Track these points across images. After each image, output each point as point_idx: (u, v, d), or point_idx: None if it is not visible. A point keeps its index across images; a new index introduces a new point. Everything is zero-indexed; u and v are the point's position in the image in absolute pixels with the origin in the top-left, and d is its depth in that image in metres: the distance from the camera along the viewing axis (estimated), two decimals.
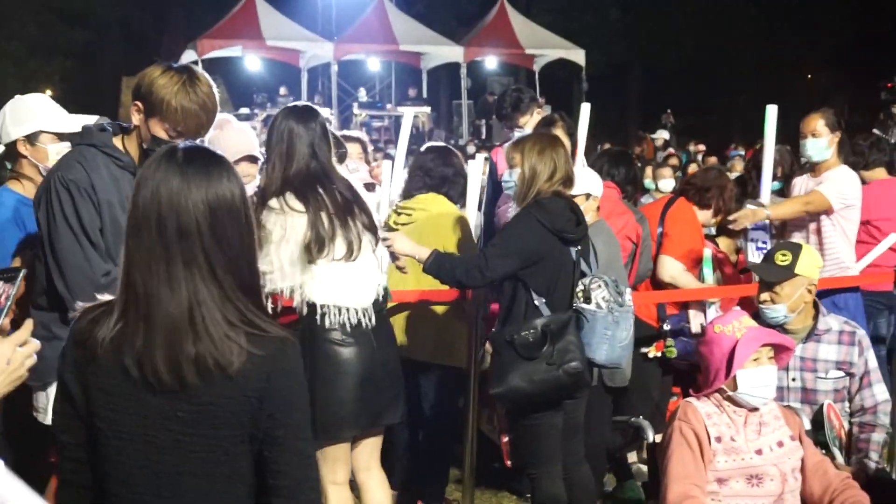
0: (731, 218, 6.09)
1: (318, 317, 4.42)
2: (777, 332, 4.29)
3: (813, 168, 6.49)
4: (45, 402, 3.89)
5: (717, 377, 4.07)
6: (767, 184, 6.59)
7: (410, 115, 7.06)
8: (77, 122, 4.36)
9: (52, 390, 2.92)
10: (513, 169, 4.91)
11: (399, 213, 5.79)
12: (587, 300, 4.75)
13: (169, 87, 3.72)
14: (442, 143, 6.41)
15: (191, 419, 2.29)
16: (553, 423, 4.82)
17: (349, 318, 4.42)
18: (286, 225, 4.37)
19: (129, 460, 2.31)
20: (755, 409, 4.07)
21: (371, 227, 4.52)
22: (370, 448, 4.70)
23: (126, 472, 2.31)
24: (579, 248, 4.85)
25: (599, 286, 4.76)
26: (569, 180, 4.88)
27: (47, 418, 3.69)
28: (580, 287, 4.80)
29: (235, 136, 5.37)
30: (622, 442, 5.92)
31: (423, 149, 6.17)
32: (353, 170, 5.55)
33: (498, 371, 4.72)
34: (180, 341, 2.25)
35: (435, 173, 5.83)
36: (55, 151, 4.47)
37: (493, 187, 6.76)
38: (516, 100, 7.11)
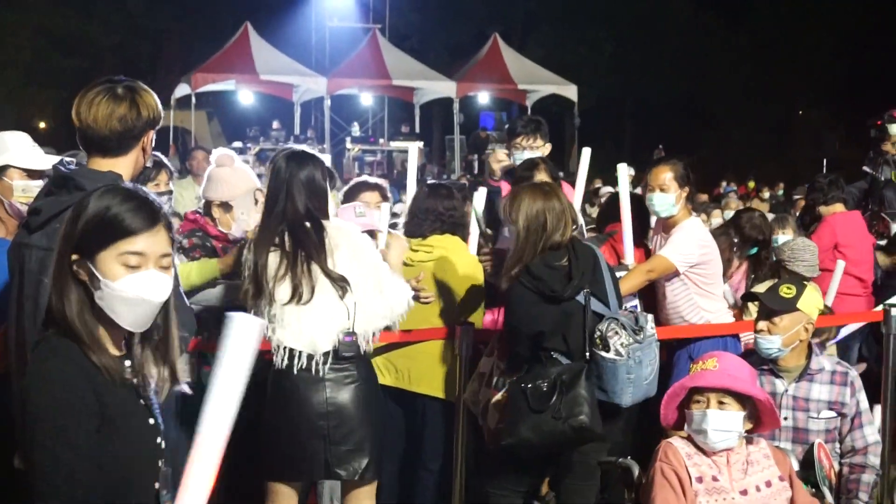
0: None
1: (274, 356, 4.50)
2: (719, 377, 4.16)
3: (664, 224, 6.15)
4: None
5: (667, 411, 4.23)
6: (629, 244, 6.15)
7: (415, 150, 6.98)
8: (51, 161, 4.33)
9: None
10: (510, 225, 4.88)
11: (416, 251, 5.76)
12: (605, 348, 4.69)
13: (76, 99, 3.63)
14: (440, 181, 6.38)
15: None
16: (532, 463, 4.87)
17: (299, 362, 4.44)
18: (245, 264, 4.53)
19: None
20: (728, 449, 4.10)
21: (334, 277, 4.46)
22: (356, 500, 4.70)
23: None
24: (587, 290, 4.76)
25: (616, 332, 4.69)
26: (565, 230, 4.80)
27: None
28: (597, 333, 4.74)
29: (226, 180, 5.37)
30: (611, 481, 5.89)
31: (427, 190, 6.06)
32: (359, 214, 5.53)
33: (509, 421, 4.66)
34: None
35: (447, 218, 5.83)
36: (21, 188, 4.46)
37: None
38: (538, 124, 7.07)
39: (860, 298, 7.41)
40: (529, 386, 4.58)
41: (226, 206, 5.31)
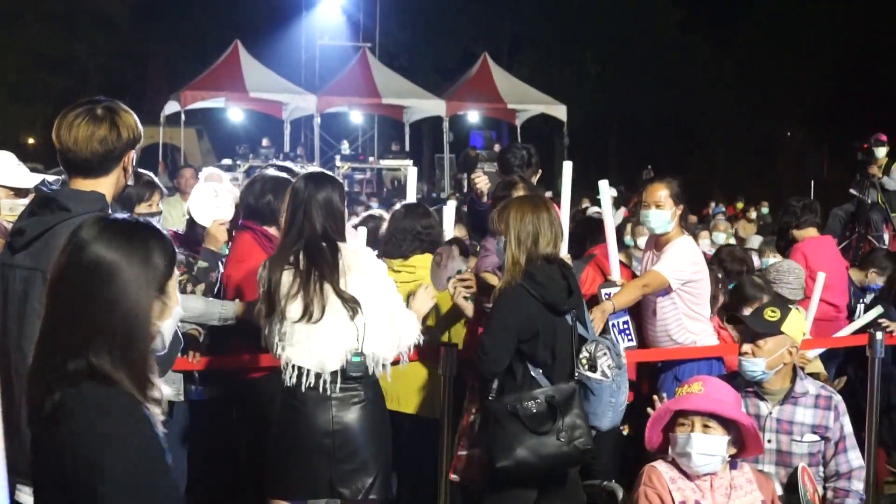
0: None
1: (285, 374, 4.53)
2: (704, 401, 4.17)
3: (656, 241, 6.22)
4: None
5: (651, 433, 4.25)
6: (615, 260, 6.20)
7: (414, 173, 7.01)
8: (37, 179, 4.34)
9: None
10: (499, 237, 4.87)
11: (398, 272, 5.75)
12: (592, 368, 4.71)
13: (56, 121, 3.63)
14: (413, 202, 6.39)
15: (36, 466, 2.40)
16: (530, 496, 4.78)
17: (307, 381, 4.47)
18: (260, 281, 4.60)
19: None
20: (711, 474, 4.11)
21: (345, 297, 4.50)
22: None
23: None
24: (574, 311, 4.81)
25: (605, 353, 4.73)
26: (555, 241, 4.84)
27: None
28: (584, 354, 4.75)
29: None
30: None
31: (402, 210, 6.12)
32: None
33: (503, 443, 4.60)
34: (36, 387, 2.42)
35: (425, 236, 5.88)
36: (8, 207, 4.47)
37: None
38: (528, 157, 7.05)
39: (833, 324, 7.44)
40: (519, 407, 4.56)
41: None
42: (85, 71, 37.00)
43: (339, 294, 4.48)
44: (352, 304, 4.49)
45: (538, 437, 4.55)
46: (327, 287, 4.47)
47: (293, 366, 4.49)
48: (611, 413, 4.75)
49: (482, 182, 6.84)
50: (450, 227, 6.41)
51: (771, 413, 4.71)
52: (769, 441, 4.70)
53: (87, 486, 2.25)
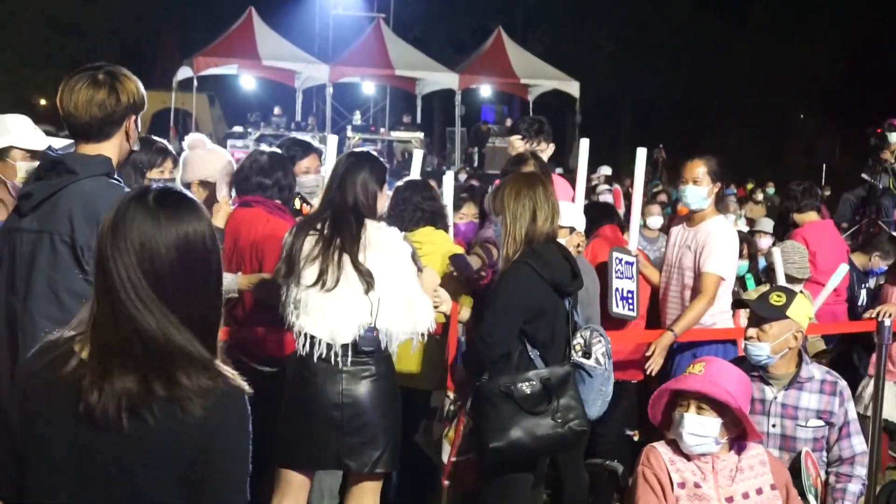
0: (648, 367, 5.87)
1: (298, 343, 4.56)
2: (699, 382, 4.16)
3: (688, 217, 6.28)
4: None
5: (654, 411, 4.27)
6: (635, 230, 6.40)
7: (420, 155, 7.03)
8: (53, 143, 4.35)
9: None
10: (497, 217, 4.78)
11: None
12: (586, 355, 4.70)
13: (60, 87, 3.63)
14: (418, 178, 6.39)
15: (124, 456, 2.25)
16: (528, 478, 4.72)
17: (318, 350, 4.49)
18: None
19: (60, 493, 2.30)
20: (713, 455, 4.11)
21: (362, 270, 4.51)
22: (359, 493, 4.71)
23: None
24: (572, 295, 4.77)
25: (600, 340, 4.70)
26: (553, 218, 4.72)
27: None
28: (579, 340, 4.71)
29: (202, 159, 5.71)
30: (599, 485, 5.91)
31: (404, 184, 6.12)
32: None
33: (496, 424, 4.50)
34: (132, 379, 2.23)
35: (426, 207, 5.88)
36: (24, 169, 4.49)
37: None
38: (540, 127, 7.00)
39: (832, 307, 7.45)
40: (513, 388, 4.48)
41: (205, 185, 5.62)
42: (97, 35, 36.95)
43: (357, 266, 4.50)
44: (367, 278, 4.50)
45: (533, 418, 4.48)
46: (346, 258, 4.50)
47: (306, 334, 4.51)
48: (600, 402, 4.72)
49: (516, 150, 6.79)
50: (449, 198, 6.41)
51: (776, 398, 4.71)
52: (774, 425, 4.69)
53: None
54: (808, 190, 8.47)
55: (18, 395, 2.36)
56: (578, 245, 5.87)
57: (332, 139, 6.72)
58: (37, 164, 4.34)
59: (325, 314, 4.50)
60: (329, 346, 4.50)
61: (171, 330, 2.25)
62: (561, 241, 5.56)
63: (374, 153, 4.93)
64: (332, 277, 4.49)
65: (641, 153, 6.39)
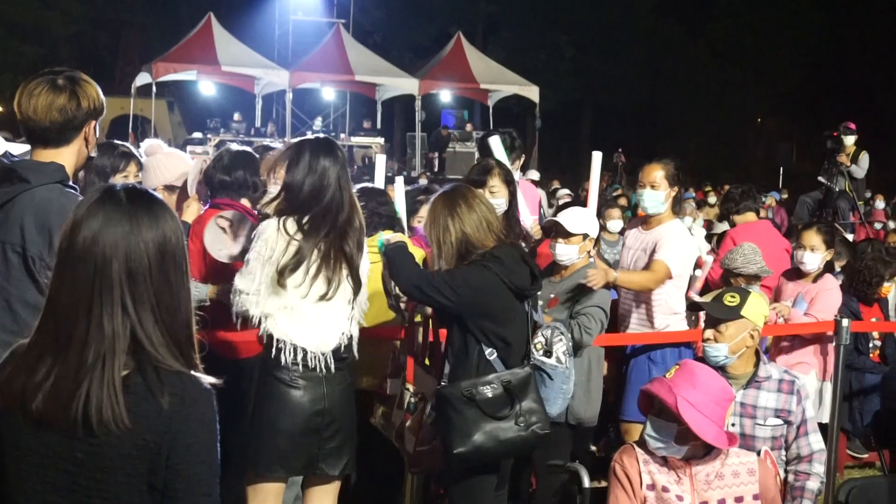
0: (586, 280, 5.75)
1: (273, 350, 4.44)
2: (659, 386, 4.18)
3: (645, 220, 6.34)
4: None
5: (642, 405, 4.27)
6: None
7: (383, 161, 7.02)
8: (11, 149, 4.30)
9: None
10: (432, 245, 4.79)
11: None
12: (547, 353, 4.72)
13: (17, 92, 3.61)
14: (372, 184, 6.39)
15: (88, 462, 2.22)
16: (492, 480, 4.73)
17: (304, 360, 4.44)
18: (276, 247, 4.40)
19: (26, 500, 2.27)
20: (689, 459, 4.11)
21: (356, 278, 4.50)
22: (320, 495, 4.69)
23: None
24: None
25: (560, 339, 4.73)
26: (485, 222, 4.69)
27: None
28: (540, 339, 4.73)
29: (163, 164, 5.62)
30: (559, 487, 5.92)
31: (358, 191, 6.12)
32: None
33: (459, 429, 4.51)
34: (97, 383, 2.20)
35: (382, 211, 5.89)
36: None
37: None
38: (510, 141, 6.92)
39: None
40: (475, 392, 4.49)
41: (170, 189, 5.55)
42: (56, 40, 36.64)
43: (355, 277, 4.49)
44: (356, 289, 4.52)
45: (496, 422, 4.50)
46: (345, 270, 4.46)
47: (292, 345, 4.43)
48: (560, 400, 4.76)
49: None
50: (401, 203, 6.41)
51: (735, 397, 4.74)
52: (733, 425, 4.72)
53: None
54: (746, 192, 8.77)
55: None
56: (590, 251, 5.87)
57: (400, 181, 6.78)
58: None
59: (318, 325, 4.45)
60: (315, 355, 4.45)
61: (143, 329, 2.24)
62: (573, 246, 5.63)
63: (331, 139, 4.81)
64: (333, 289, 4.45)
65: (597, 157, 6.46)
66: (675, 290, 6.14)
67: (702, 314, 6.36)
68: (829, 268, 7.13)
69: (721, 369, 4.74)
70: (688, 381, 4.17)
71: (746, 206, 8.67)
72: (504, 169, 6.14)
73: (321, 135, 4.93)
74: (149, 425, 2.22)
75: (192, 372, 2.31)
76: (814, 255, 6.87)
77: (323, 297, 4.42)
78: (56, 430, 2.21)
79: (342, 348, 4.51)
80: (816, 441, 4.75)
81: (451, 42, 29.63)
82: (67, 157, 3.63)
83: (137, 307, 2.24)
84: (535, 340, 4.73)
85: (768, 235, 8.42)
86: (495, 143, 6.56)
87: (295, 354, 4.43)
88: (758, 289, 6.62)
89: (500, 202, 5.89)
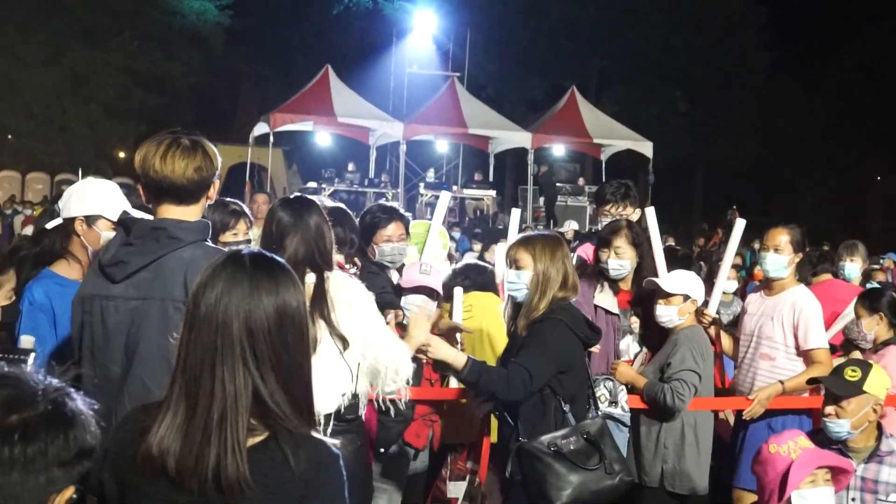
0: (747, 414, 5.85)
1: None
2: (834, 455, 4.18)
3: (767, 285, 6.26)
4: None
5: (771, 498, 4.02)
6: (717, 295, 6.42)
7: (446, 197, 6.91)
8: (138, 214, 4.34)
9: None
10: (520, 270, 4.73)
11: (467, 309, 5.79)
12: (613, 404, 4.72)
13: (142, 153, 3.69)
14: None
15: None
16: None
17: None
18: None
19: None
20: None
21: (339, 334, 4.08)
22: None
23: None
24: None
25: (622, 389, 4.82)
26: (575, 287, 4.75)
27: None
28: (602, 391, 4.76)
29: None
30: None
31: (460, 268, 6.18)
32: (423, 271, 5.61)
33: (555, 483, 4.48)
34: (228, 442, 2.25)
35: (475, 273, 5.91)
36: (106, 239, 4.50)
37: None
38: (626, 191, 6.95)
39: None
40: (561, 444, 4.49)
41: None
42: (178, 90, 37.78)
43: (331, 330, 4.08)
44: (342, 341, 4.09)
45: (587, 473, 4.51)
46: (319, 322, 4.04)
47: None
48: (625, 448, 4.75)
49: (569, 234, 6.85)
50: (458, 314, 5.89)
51: (856, 471, 4.59)
52: (853, 499, 4.59)
53: None
54: (823, 255, 8.83)
55: (111, 465, 2.39)
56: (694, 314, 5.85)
57: (445, 195, 6.82)
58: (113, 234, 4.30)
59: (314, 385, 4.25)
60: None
61: (265, 386, 2.30)
62: (673, 307, 5.59)
63: (310, 197, 4.45)
64: (313, 346, 3.90)
65: (740, 224, 6.39)
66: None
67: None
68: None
69: (841, 443, 4.61)
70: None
71: (823, 268, 8.59)
72: (635, 227, 6.12)
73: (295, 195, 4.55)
74: (285, 490, 2.27)
75: (318, 434, 2.37)
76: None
77: None
78: (187, 490, 2.26)
79: (348, 410, 4.19)
80: None
81: (566, 96, 29.65)
82: (196, 213, 3.76)
83: (259, 365, 2.30)
84: (599, 392, 4.72)
85: (838, 294, 8.20)
86: (650, 214, 6.35)
87: None
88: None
89: (623, 263, 5.91)
